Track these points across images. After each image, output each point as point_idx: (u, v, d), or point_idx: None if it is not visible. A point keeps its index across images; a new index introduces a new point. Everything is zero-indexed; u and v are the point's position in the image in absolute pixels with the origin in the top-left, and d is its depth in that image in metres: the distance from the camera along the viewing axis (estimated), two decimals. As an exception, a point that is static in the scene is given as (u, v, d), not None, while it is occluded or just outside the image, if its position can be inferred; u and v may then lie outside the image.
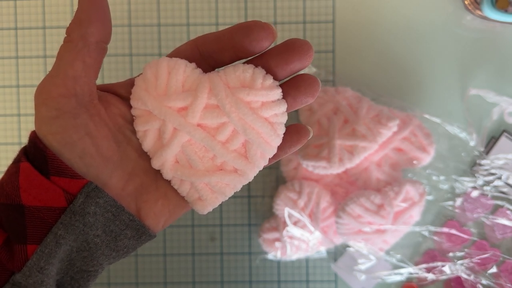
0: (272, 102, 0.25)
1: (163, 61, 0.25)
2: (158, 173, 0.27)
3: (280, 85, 0.25)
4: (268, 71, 0.25)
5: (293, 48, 0.24)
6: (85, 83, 0.24)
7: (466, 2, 0.46)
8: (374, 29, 0.47)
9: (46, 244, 0.23)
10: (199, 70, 0.25)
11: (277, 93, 0.25)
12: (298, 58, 0.24)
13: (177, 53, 0.26)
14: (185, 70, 0.25)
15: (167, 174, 0.26)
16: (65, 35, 0.24)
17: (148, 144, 0.26)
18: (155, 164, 0.26)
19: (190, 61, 0.26)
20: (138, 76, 0.26)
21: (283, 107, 0.25)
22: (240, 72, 0.24)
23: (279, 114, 0.25)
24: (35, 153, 0.24)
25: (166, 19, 0.48)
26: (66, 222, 0.24)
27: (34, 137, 0.24)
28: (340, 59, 0.48)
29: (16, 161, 0.25)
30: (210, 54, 0.26)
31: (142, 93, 0.25)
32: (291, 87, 0.25)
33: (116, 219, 0.25)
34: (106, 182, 0.25)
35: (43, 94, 0.24)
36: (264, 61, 0.25)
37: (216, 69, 0.26)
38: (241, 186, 0.27)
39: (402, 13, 0.47)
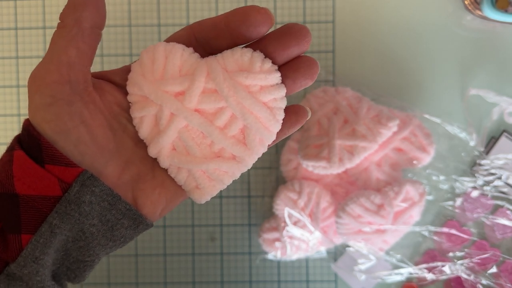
0: (271, 86, 0.24)
1: (160, 45, 0.25)
2: (155, 161, 0.26)
3: (279, 68, 0.25)
4: (266, 56, 0.24)
5: (291, 33, 0.24)
6: (80, 69, 0.24)
7: (466, 2, 0.46)
8: (374, 29, 0.47)
9: (41, 233, 0.23)
10: (196, 55, 0.25)
11: (276, 77, 0.24)
12: (296, 43, 0.24)
13: (173, 39, 0.26)
14: (182, 55, 0.25)
15: (164, 162, 0.25)
16: (59, 21, 0.24)
17: (144, 131, 0.25)
18: (152, 151, 0.25)
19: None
20: (135, 62, 0.26)
21: (282, 91, 0.24)
22: (238, 55, 0.24)
23: (278, 98, 0.25)
24: (29, 141, 0.24)
25: (166, 20, 0.48)
26: (61, 211, 0.23)
27: (27, 125, 0.24)
28: (340, 59, 0.48)
29: (10, 149, 0.24)
30: (207, 40, 0.25)
31: (139, 78, 0.25)
32: (290, 69, 0.25)
33: (112, 208, 0.25)
34: (102, 171, 0.25)
35: (36, 81, 0.23)
36: (262, 46, 0.25)
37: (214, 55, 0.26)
38: (240, 174, 0.26)
39: (402, 13, 0.47)
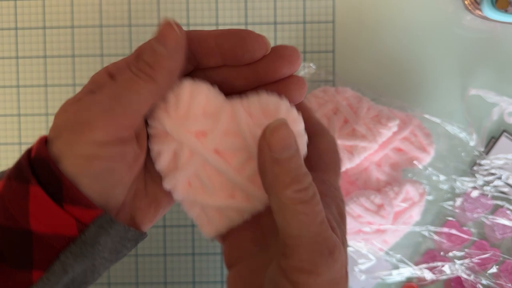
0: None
1: (185, 84, 0.25)
2: (146, 177, 0.26)
3: (270, 85, 0.25)
4: (256, 77, 0.25)
5: (282, 57, 0.24)
6: (144, 117, 0.24)
7: (466, 2, 0.46)
8: (374, 29, 0.47)
9: (53, 271, 0.22)
10: (221, 96, 0.25)
11: (301, 125, 0.24)
12: (288, 66, 0.24)
13: None
14: (207, 95, 0.25)
15: (178, 196, 0.26)
16: (149, 71, 0.23)
17: (162, 164, 0.25)
18: (167, 184, 0.25)
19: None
20: None
21: (304, 138, 0.25)
22: (264, 102, 0.24)
23: (300, 144, 0.24)
24: (48, 177, 0.22)
25: (166, 19, 0.48)
26: (76, 251, 0.23)
27: (46, 158, 0.22)
28: (340, 59, 0.48)
29: (23, 180, 0.23)
30: (194, 54, 0.24)
31: (162, 114, 0.25)
32: (283, 89, 0.25)
33: (122, 240, 0.25)
34: (111, 199, 0.24)
35: (106, 118, 0.22)
36: (252, 68, 0.24)
37: (233, 96, 0.26)
38: (250, 214, 0.26)
39: (402, 13, 0.47)
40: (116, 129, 0.22)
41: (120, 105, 0.22)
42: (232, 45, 0.23)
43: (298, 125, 0.24)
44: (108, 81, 0.24)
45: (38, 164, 0.23)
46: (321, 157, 0.26)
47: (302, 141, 0.25)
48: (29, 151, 0.24)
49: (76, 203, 0.22)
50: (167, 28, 0.22)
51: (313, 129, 0.26)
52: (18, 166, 0.23)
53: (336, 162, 0.26)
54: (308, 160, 0.25)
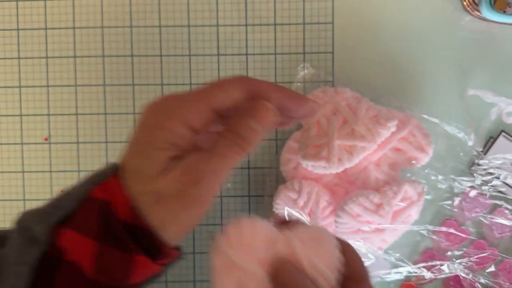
0: (331, 252, 0.29)
1: (246, 223, 0.29)
2: None
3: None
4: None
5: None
6: None
7: (464, 3, 0.46)
8: (373, 30, 0.48)
9: None
10: (274, 228, 0.29)
11: (335, 243, 0.29)
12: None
13: (226, 99, 0.28)
14: (265, 228, 0.29)
15: None
16: (243, 144, 0.27)
17: None
18: None
19: (239, 98, 0.29)
20: (220, 235, 0.29)
21: (338, 254, 0.29)
22: (311, 231, 0.29)
23: (337, 264, 0.29)
24: (150, 245, 0.26)
25: (167, 21, 0.48)
26: (151, 282, 0.28)
27: (147, 229, 0.26)
28: (339, 60, 0.48)
29: (126, 249, 0.26)
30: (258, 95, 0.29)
31: (227, 249, 0.28)
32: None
33: None
34: None
35: (210, 197, 0.27)
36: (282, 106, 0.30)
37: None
38: None
39: (400, 14, 0.48)
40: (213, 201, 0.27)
41: (218, 181, 0.27)
42: (290, 108, 0.29)
43: (334, 245, 0.29)
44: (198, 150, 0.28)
45: (138, 233, 0.26)
46: (351, 268, 0.29)
47: (336, 257, 0.29)
48: (106, 203, 0.27)
49: (168, 257, 0.27)
50: (267, 112, 0.28)
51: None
52: (113, 232, 0.26)
53: (364, 269, 0.30)
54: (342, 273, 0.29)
